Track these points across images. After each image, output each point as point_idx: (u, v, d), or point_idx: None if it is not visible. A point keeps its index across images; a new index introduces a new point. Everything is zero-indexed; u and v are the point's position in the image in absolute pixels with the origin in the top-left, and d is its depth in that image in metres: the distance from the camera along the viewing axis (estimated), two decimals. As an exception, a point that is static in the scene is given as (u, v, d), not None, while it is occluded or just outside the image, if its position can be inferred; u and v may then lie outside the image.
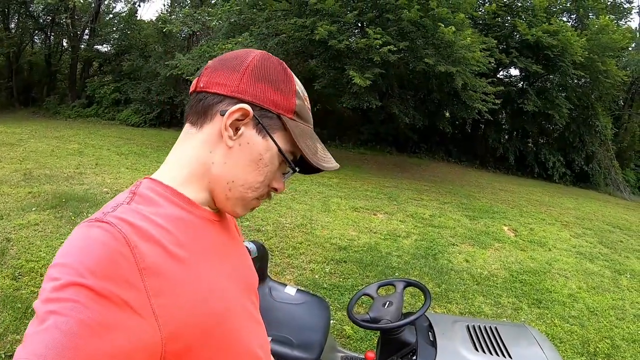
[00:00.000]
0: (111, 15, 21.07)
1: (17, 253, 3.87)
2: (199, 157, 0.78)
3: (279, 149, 0.78)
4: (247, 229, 5.36)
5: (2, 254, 3.81)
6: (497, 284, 4.67)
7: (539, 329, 3.80)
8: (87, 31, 19.65)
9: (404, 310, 2.14)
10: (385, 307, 1.99)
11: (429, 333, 1.98)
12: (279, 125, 0.78)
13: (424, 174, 11.61)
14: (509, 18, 14.05)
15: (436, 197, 8.68)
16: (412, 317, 1.87)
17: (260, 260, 2.13)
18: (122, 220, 0.66)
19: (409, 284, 2.14)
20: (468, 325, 2.04)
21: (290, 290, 2.22)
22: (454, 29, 9.20)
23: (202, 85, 0.78)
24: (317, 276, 4.39)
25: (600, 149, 15.23)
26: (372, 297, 2.14)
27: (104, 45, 20.86)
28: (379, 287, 2.20)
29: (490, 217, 7.47)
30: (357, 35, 10.97)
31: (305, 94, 0.85)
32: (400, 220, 6.65)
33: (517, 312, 4.10)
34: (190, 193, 0.79)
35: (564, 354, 3.55)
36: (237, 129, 0.76)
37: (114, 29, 20.51)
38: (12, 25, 19.91)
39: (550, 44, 12.34)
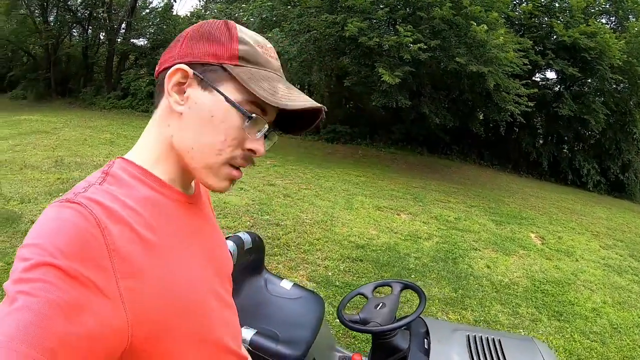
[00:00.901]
0: (147, 10, 21.50)
1: None
2: (160, 132, 0.77)
3: (226, 99, 0.72)
4: (267, 222, 5.37)
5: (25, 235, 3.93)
6: (517, 292, 4.51)
7: (556, 344, 3.67)
8: (123, 25, 20.11)
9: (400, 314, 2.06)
10: (378, 309, 1.91)
11: (425, 340, 1.89)
12: (224, 75, 0.73)
13: (454, 176, 11.37)
14: (545, 18, 13.56)
15: (463, 200, 8.48)
16: (402, 322, 1.77)
17: (256, 251, 2.11)
18: (93, 201, 0.65)
19: (406, 286, 2.05)
20: (469, 335, 1.92)
21: (286, 284, 2.20)
22: (486, 27, 8.98)
23: (157, 69, 0.78)
24: (330, 273, 4.34)
25: (638, 157, 14.61)
26: (367, 297, 2.07)
27: (140, 39, 21.40)
28: (375, 288, 2.13)
29: (518, 223, 7.25)
30: (388, 32, 10.80)
31: (263, 42, 0.79)
32: (423, 222, 6.52)
33: (535, 324, 3.94)
34: (162, 173, 0.78)
35: (582, 370, 3.41)
36: (183, 93, 0.73)
37: (150, 23, 20.91)
38: (51, 19, 20.47)
39: (587, 45, 11.85)
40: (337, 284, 4.12)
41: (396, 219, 6.50)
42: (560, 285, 4.81)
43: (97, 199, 0.65)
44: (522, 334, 3.78)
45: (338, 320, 2.07)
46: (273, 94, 0.72)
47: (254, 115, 0.74)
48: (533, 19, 13.54)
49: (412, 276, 4.60)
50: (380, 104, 11.53)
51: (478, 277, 4.78)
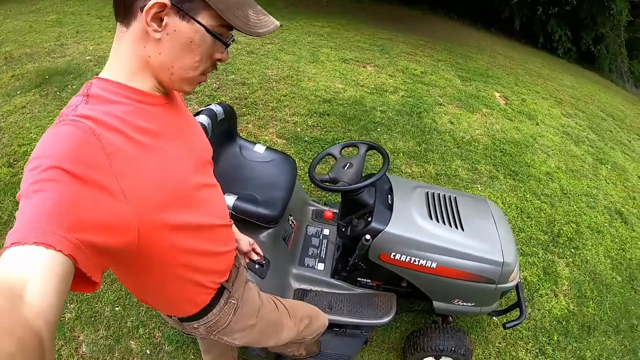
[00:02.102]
0: None
1: (9, 140, 3.76)
2: (135, 53, 0.81)
3: (207, 29, 0.79)
4: (232, 82, 5.03)
5: (-6, 144, 3.52)
6: (477, 149, 4.48)
7: (509, 201, 3.75)
8: None
9: (366, 173, 2.22)
10: (345, 168, 2.01)
11: (388, 196, 2.03)
12: (201, 5, 0.76)
13: (423, 28, 10.73)
14: None
15: (430, 54, 8.07)
16: (367, 182, 1.87)
17: (228, 121, 2.20)
18: (84, 116, 0.72)
19: (371, 147, 2.12)
20: (428, 192, 2.10)
21: (259, 148, 2.31)
22: None
23: None
24: (299, 129, 4.25)
25: (612, 33, 14.17)
26: (335, 158, 2.15)
27: None
28: (342, 148, 2.20)
29: (484, 81, 7.04)
30: None
31: None
32: (389, 75, 6.20)
33: (492, 181, 3.98)
34: (139, 84, 0.83)
35: (529, 229, 3.51)
36: (160, 20, 0.76)
37: None
38: None
39: None
40: (307, 139, 4.06)
41: (362, 71, 6.12)
42: (519, 146, 4.80)
43: (87, 114, 0.72)
44: (479, 189, 3.82)
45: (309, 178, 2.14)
46: (246, 22, 0.80)
47: (229, 42, 0.85)
48: None
49: (378, 129, 4.46)
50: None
51: (441, 132, 4.68)
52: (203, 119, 1.93)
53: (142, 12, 0.74)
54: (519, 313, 2.09)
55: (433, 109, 5.24)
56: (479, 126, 5.07)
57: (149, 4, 0.72)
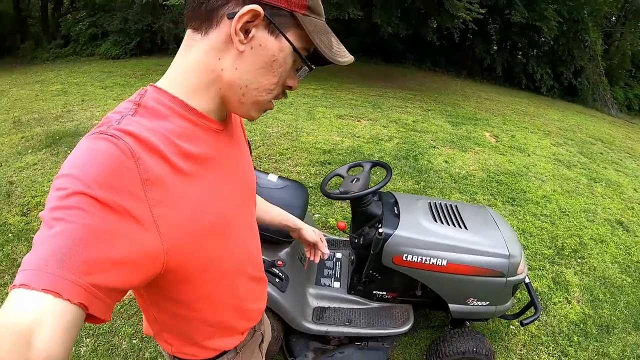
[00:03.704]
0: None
1: (22, 192, 3.98)
2: (206, 64, 0.74)
3: (294, 49, 0.74)
4: None
5: (8, 195, 3.93)
6: (474, 182, 4.72)
7: (510, 223, 3.89)
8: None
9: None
10: (353, 182, 2.21)
11: (394, 208, 2.21)
12: (292, 22, 0.72)
13: (410, 83, 11.37)
14: None
15: (420, 105, 8.55)
16: (373, 188, 2.06)
17: None
18: (126, 132, 0.65)
19: (375, 164, 2.33)
20: (430, 202, 2.30)
21: (273, 177, 2.43)
22: None
23: None
24: (303, 177, 4.52)
25: (590, 64, 14.82)
26: (343, 177, 2.35)
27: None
28: (349, 168, 2.40)
29: (473, 123, 7.42)
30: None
31: None
32: (383, 126, 6.60)
33: (491, 208, 4.17)
34: (198, 103, 0.77)
35: (533, 246, 3.66)
36: (247, 32, 0.70)
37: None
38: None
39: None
40: (311, 185, 4.31)
41: (357, 125, 6.55)
42: (514, 176, 5.05)
43: (129, 130, 0.65)
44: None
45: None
46: (330, 48, 0.76)
47: (314, 67, 0.79)
48: None
49: (378, 173, 4.72)
50: (332, 17, 11.19)
51: (438, 170, 4.94)
52: None
53: (229, 19, 0.69)
54: (534, 311, 2.21)
55: (427, 151, 5.54)
56: (473, 163, 5.34)
57: (243, 10, 0.67)
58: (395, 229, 2.03)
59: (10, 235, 3.34)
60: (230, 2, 0.69)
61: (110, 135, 0.63)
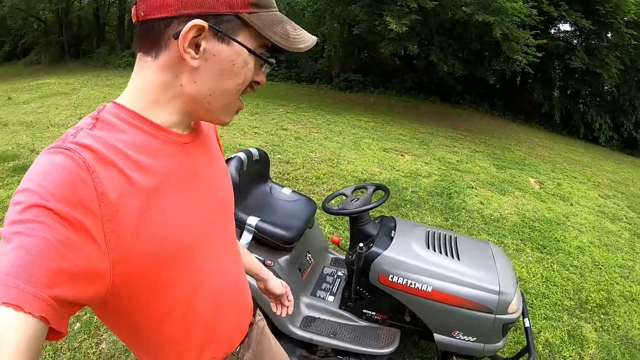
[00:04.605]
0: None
1: None
2: (164, 83, 0.75)
3: (249, 50, 0.73)
4: (278, 160, 5.72)
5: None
6: (505, 226, 4.66)
7: (534, 271, 3.84)
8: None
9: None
10: (353, 202, 2.40)
11: (392, 231, 2.30)
12: (240, 24, 0.71)
13: (464, 124, 11.31)
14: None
15: (469, 146, 8.51)
16: (368, 206, 2.24)
17: (262, 163, 2.57)
18: (82, 145, 0.66)
19: (378, 187, 2.50)
20: (429, 231, 2.37)
21: (287, 190, 2.68)
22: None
23: (142, 14, 0.71)
24: (333, 201, 4.55)
25: (652, 114, 14.27)
26: (346, 196, 2.54)
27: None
28: (353, 190, 2.61)
29: (519, 168, 7.30)
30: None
31: None
32: (425, 162, 6.64)
33: (518, 253, 4.11)
34: (159, 117, 0.77)
35: (554, 296, 3.57)
36: (197, 46, 0.70)
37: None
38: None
39: (601, -2, 11.31)
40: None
41: (400, 159, 6.65)
42: (549, 224, 4.93)
43: (86, 144, 0.66)
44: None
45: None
46: (286, 38, 0.75)
47: (273, 60, 0.78)
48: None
49: (407, 206, 4.78)
50: (388, 52, 11.49)
51: (470, 210, 4.92)
52: (241, 154, 2.30)
53: (175, 39, 0.69)
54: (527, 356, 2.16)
55: (464, 191, 5.52)
56: (509, 206, 5.27)
57: (185, 28, 0.67)
58: (385, 249, 2.14)
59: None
60: (173, 22, 0.69)
61: (66, 149, 0.64)
